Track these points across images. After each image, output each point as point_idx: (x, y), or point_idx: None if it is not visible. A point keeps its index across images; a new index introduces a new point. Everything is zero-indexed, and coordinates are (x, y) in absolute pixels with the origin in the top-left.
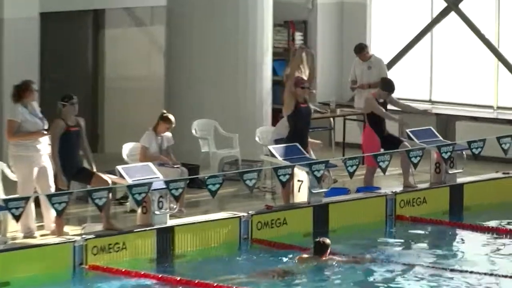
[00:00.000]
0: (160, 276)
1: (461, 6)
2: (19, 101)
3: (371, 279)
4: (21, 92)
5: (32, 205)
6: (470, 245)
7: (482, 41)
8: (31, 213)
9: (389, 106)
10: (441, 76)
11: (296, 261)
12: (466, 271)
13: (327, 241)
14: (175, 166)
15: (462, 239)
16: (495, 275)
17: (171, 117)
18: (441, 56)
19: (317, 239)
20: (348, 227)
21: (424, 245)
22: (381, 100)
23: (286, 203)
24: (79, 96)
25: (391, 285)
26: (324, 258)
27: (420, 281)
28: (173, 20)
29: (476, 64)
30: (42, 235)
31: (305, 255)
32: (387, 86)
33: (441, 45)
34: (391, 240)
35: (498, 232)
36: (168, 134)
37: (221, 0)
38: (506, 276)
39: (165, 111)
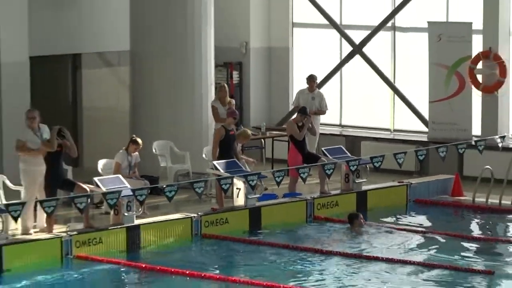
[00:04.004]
0: (129, 262)
1: (364, 49)
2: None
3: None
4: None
5: (31, 208)
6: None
7: (380, 77)
8: (31, 216)
9: None
10: (349, 105)
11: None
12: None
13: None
14: (140, 178)
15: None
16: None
17: (139, 140)
18: (349, 88)
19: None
20: (276, 225)
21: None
22: (300, 124)
23: (221, 207)
24: (62, 123)
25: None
26: (355, 227)
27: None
28: (136, 61)
29: (376, 95)
30: (35, 232)
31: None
32: (301, 110)
33: (348, 80)
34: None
35: (395, 228)
36: (136, 153)
37: (173, 45)
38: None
39: (134, 136)
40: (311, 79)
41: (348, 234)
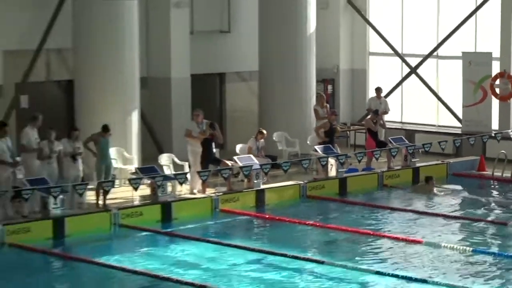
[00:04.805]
0: (257, 214)
1: (418, 70)
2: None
3: None
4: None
5: (196, 176)
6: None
7: (428, 89)
8: (196, 182)
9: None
10: (407, 108)
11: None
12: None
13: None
14: (264, 157)
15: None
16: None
17: (264, 131)
18: (407, 97)
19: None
20: (357, 190)
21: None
22: (374, 121)
23: (320, 177)
24: (213, 119)
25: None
26: (429, 187)
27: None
28: (262, 78)
29: (425, 101)
30: (193, 193)
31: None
32: (375, 111)
33: (407, 91)
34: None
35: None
36: (262, 140)
37: (289, 67)
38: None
39: (260, 128)
40: (378, 90)
41: (418, 193)
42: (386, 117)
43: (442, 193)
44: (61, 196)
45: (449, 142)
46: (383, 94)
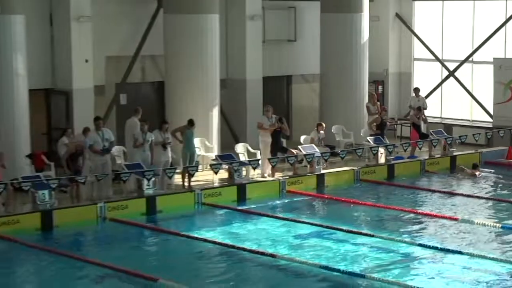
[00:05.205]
0: (318, 194)
1: (456, 74)
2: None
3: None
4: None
5: (266, 162)
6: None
7: (464, 89)
8: (268, 166)
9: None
10: (446, 105)
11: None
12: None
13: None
14: (324, 146)
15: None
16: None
17: (323, 124)
18: (446, 96)
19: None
20: (402, 175)
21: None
22: (417, 116)
23: (376, 162)
24: (281, 114)
25: None
26: (476, 172)
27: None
28: (323, 80)
29: (461, 99)
30: (263, 177)
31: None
32: (418, 108)
33: (446, 91)
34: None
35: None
36: (322, 131)
37: (346, 70)
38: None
39: (320, 122)
40: (416, 90)
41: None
42: (428, 113)
43: (483, 175)
44: (153, 179)
45: (481, 135)
46: (425, 94)
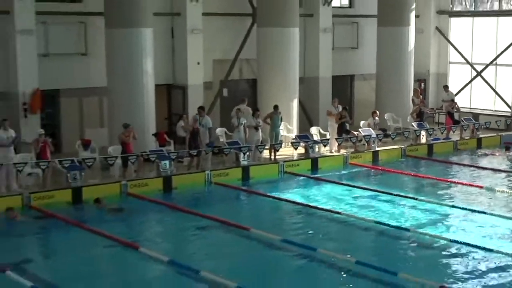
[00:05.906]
0: (368, 165)
1: (482, 74)
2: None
3: None
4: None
5: (334, 141)
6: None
7: (489, 86)
8: (335, 144)
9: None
10: (475, 98)
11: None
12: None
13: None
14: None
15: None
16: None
17: (377, 112)
18: (475, 90)
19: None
20: (440, 153)
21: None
22: (452, 107)
23: (419, 142)
24: (344, 105)
25: None
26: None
27: None
28: (379, 77)
29: (487, 94)
30: (331, 152)
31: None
32: (452, 99)
33: (475, 87)
34: (460, 156)
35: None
36: (377, 118)
37: (397, 69)
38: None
39: (375, 110)
40: (445, 87)
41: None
42: (459, 104)
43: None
44: (247, 153)
45: (502, 121)
46: (458, 89)
